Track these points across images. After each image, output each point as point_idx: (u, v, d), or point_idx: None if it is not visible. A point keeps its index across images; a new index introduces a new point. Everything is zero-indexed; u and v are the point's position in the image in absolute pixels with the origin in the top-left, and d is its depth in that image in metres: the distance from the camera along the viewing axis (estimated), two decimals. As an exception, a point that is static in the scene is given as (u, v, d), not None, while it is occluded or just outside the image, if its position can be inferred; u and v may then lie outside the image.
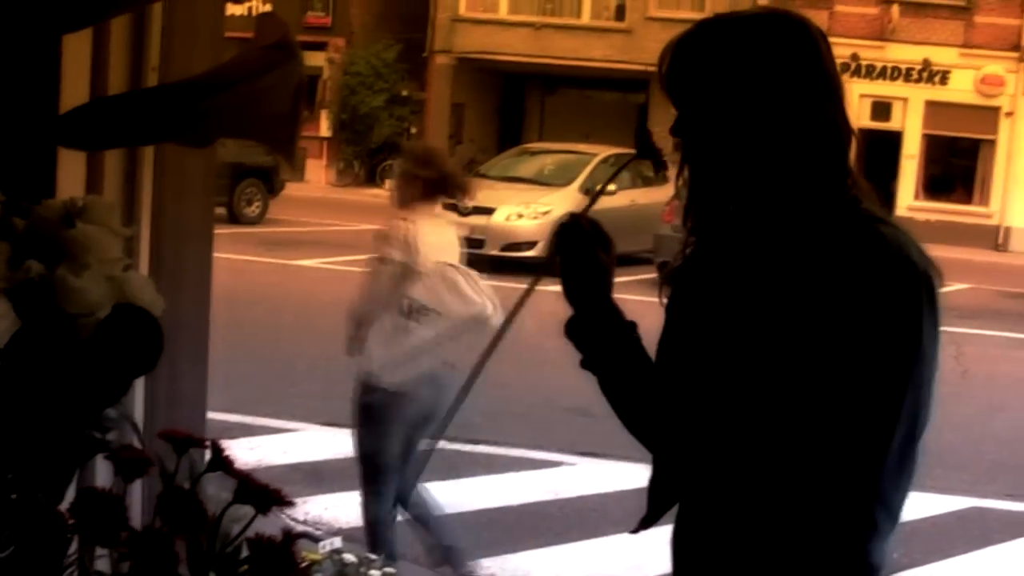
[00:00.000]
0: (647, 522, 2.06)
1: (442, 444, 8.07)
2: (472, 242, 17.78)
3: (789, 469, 1.79)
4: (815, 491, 1.79)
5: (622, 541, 6.56)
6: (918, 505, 7.25)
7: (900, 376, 1.77)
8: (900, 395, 1.76)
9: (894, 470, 1.81)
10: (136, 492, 1.54)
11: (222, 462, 1.44)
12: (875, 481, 1.79)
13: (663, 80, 1.93)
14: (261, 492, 1.41)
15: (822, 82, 1.88)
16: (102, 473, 1.55)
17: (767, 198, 1.88)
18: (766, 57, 1.85)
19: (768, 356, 1.80)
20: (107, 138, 1.67)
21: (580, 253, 2.00)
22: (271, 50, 1.51)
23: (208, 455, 1.46)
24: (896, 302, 1.76)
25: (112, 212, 1.45)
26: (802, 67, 1.86)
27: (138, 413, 2.27)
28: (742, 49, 1.86)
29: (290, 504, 1.44)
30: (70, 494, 1.39)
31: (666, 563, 2.05)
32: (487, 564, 6.13)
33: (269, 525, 1.43)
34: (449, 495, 7.13)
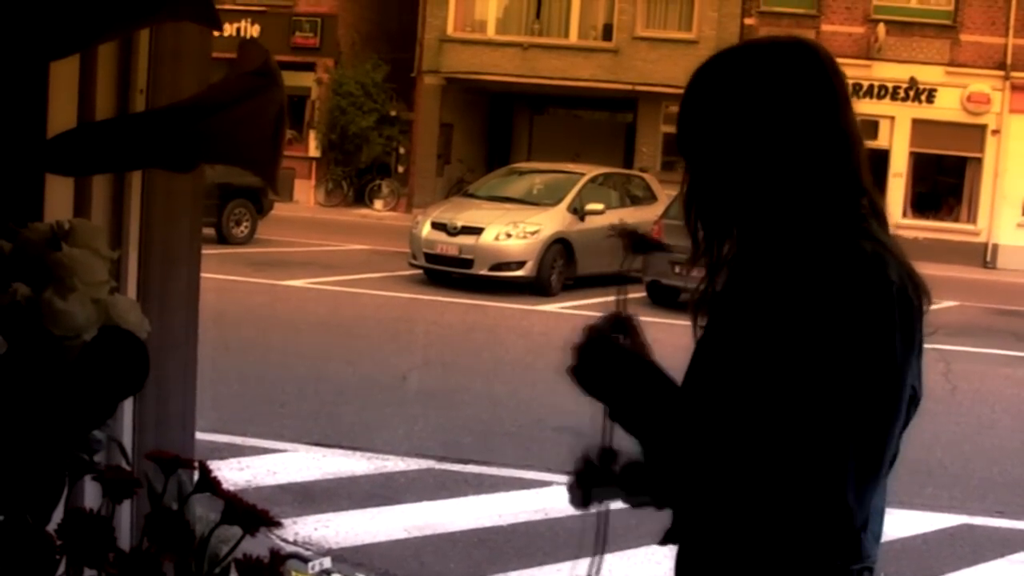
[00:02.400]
0: (673, 536, 2.04)
1: (431, 464, 8.09)
2: (461, 262, 17.91)
3: (768, 480, 1.79)
4: (788, 506, 1.78)
5: (612, 561, 6.55)
6: (908, 522, 7.30)
7: (859, 393, 1.75)
8: (856, 412, 1.75)
9: (863, 485, 1.76)
10: (124, 513, 1.54)
11: (210, 483, 1.44)
12: (839, 498, 1.74)
13: (680, 140, 1.92)
14: (249, 512, 1.41)
15: (836, 106, 1.88)
16: (90, 494, 1.55)
17: (784, 221, 1.88)
18: (785, 85, 1.85)
19: (758, 369, 1.81)
20: (93, 163, 1.68)
21: (605, 361, 1.94)
22: (253, 76, 1.51)
23: (196, 476, 1.46)
24: (864, 318, 1.76)
25: (98, 235, 1.46)
26: (818, 93, 1.86)
27: (127, 434, 2.27)
28: (760, 78, 1.86)
29: (278, 524, 1.44)
30: (58, 515, 1.39)
31: (655, 582, 2.04)
32: (477, 584, 6.13)
33: (258, 546, 1.43)
34: (438, 515, 7.15)
